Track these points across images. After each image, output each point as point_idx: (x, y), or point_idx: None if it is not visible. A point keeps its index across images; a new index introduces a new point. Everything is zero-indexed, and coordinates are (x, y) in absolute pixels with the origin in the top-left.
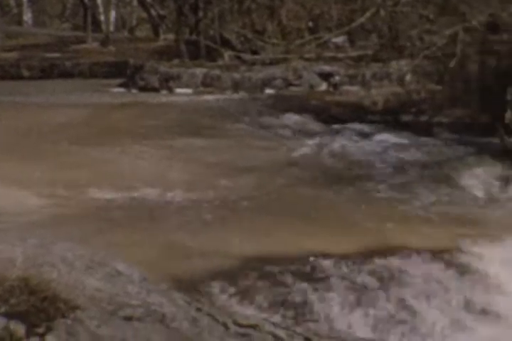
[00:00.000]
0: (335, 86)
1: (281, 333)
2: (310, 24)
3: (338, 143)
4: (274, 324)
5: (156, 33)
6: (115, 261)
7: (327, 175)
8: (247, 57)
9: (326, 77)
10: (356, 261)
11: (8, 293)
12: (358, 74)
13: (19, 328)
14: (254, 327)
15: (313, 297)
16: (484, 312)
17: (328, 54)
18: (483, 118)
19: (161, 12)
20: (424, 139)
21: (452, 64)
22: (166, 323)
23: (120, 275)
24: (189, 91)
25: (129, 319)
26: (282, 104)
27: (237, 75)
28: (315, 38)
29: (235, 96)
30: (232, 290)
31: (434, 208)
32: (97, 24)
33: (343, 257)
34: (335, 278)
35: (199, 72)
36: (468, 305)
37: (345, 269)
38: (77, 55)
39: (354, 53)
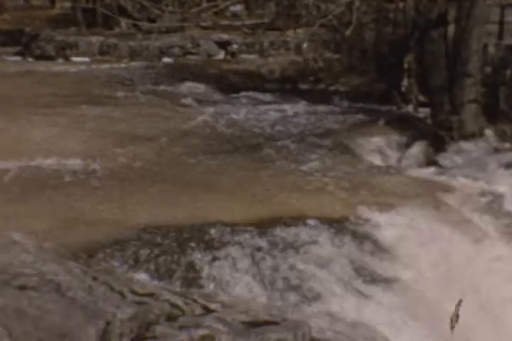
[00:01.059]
0: (233, 54)
1: (178, 301)
2: None
3: (235, 112)
4: (170, 292)
5: (52, 1)
6: (10, 230)
7: (224, 143)
8: (144, 25)
9: (223, 45)
10: (252, 229)
11: None
12: (255, 43)
13: None
14: (150, 295)
15: (209, 264)
16: (377, 277)
17: (225, 22)
18: (380, 86)
19: None
20: (321, 107)
21: (348, 32)
22: (62, 292)
23: (15, 245)
24: (86, 59)
25: (23, 288)
26: (180, 73)
27: (134, 44)
28: (212, 6)
29: (132, 64)
30: (128, 258)
31: (331, 176)
32: None
33: (239, 225)
34: (231, 246)
35: (96, 40)
36: (361, 271)
37: (241, 236)
38: None
39: (251, 21)
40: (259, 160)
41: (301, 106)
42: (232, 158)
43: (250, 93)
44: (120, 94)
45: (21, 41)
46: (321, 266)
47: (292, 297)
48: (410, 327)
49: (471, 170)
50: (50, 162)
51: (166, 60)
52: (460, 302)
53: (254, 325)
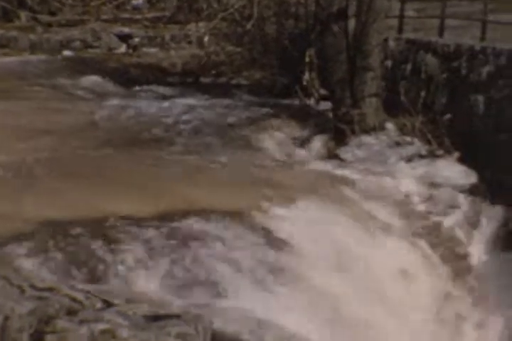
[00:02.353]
0: (134, 48)
1: (78, 295)
2: None
3: (137, 106)
4: (70, 286)
5: None
6: None
7: (125, 137)
8: (44, 18)
9: (125, 39)
10: (153, 223)
11: None
12: (157, 37)
13: None
14: (50, 289)
15: (110, 258)
16: (277, 270)
17: (126, 16)
18: (282, 80)
19: None
20: (223, 101)
21: (250, 26)
22: None
23: None
24: None
25: None
26: (81, 66)
27: (34, 37)
28: None
29: (33, 58)
30: (28, 253)
31: (233, 170)
32: None
33: (141, 219)
34: (132, 240)
35: None
36: (262, 263)
37: (142, 231)
38: None
39: (151, 15)
40: (160, 153)
41: (203, 99)
42: (133, 151)
43: (152, 87)
44: (20, 87)
45: None
46: (223, 259)
47: (193, 290)
48: (309, 315)
49: (372, 164)
50: None
51: (67, 53)
52: None
53: (155, 318)
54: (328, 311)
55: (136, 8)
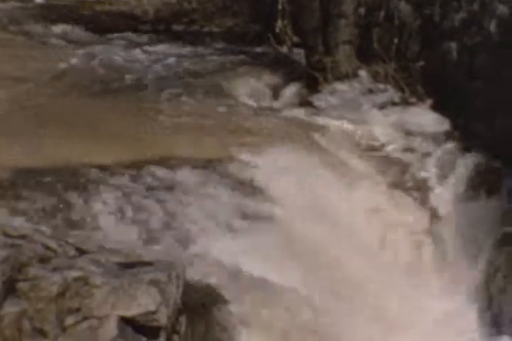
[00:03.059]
0: None
1: (51, 243)
2: None
3: (108, 53)
4: (44, 234)
5: None
6: None
7: (98, 85)
8: None
9: None
10: (127, 171)
11: None
12: None
13: None
14: (23, 237)
15: (83, 207)
16: (252, 218)
17: None
18: (255, 27)
19: None
20: (195, 49)
21: None
22: None
23: None
24: None
25: None
26: (53, 14)
27: None
28: None
29: (2, 5)
30: (1, 201)
31: (206, 117)
32: None
33: (113, 167)
34: (105, 188)
35: None
36: (236, 211)
37: (115, 179)
38: None
39: None
40: (134, 101)
41: (175, 47)
42: (107, 99)
43: (124, 34)
44: None
45: None
46: (196, 207)
47: (166, 238)
48: (285, 264)
49: (345, 111)
50: None
51: (38, 0)
52: None
53: (128, 265)
54: (303, 257)
55: None
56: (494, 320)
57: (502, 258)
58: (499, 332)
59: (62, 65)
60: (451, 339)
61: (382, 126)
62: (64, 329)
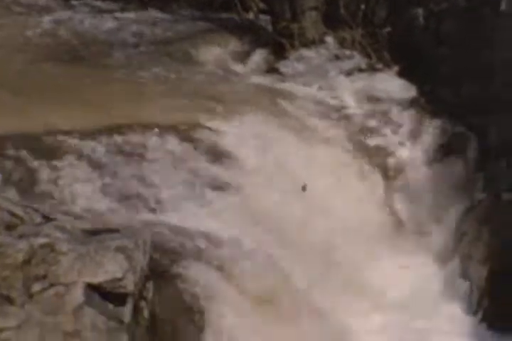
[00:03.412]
0: None
1: (17, 210)
2: None
3: (75, 20)
4: (9, 201)
5: None
6: None
7: (65, 52)
8: None
9: None
10: (94, 138)
11: None
12: None
13: None
14: None
15: (50, 173)
16: (219, 184)
17: None
18: None
19: None
20: (162, 15)
21: None
22: None
23: None
24: None
25: None
26: None
27: None
28: None
29: None
30: None
31: (173, 84)
32: None
33: (81, 134)
34: (73, 155)
35: None
36: (203, 178)
37: (82, 145)
38: None
39: None
40: (102, 68)
41: (142, 14)
42: (75, 66)
43: (91, 1)
44: None
45: None
46: (163, 173)
47: (132, 204)
48: (251, 228)
49: (311, 77)
50: None
51: None
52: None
53: (95, 232)
54: (269, 221)
55: None
56: (459, 285)
57: (468, 223)
58: (466, 299)
59: (29, 33)
60: (419, 305)
61: (348, 92)
62: (31, 296)
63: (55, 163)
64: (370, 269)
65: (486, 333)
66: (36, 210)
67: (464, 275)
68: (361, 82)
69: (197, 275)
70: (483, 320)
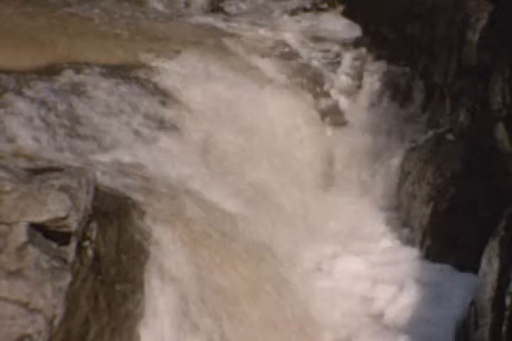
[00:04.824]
0: None
1: None
2: None
3: None
4: None
5: None
6: None
7: None
8: None
9: None
10: (39, 76)
11: None
12: None
13: None
14: None
15: None
16: (163, 124)
17: None
18: None
19: None
20: None
21: None
22: None
23: None
24: None
25: None
26: None
27: None
28: None
29: None
30: None
31: (119, 23)
32: None
33: (21, 73)
34: (15, 93)
35: None
36: (148, 118)
37: (27, 84)
38: None
39: None
40: (46, 6)
41: None
42: (18, 3)
43: None
44: None
45: None
46: (108, 113)
47: (75, 144)
48: (194, 169)
49: (256, 17)
50: None
51: None
52: None
53: (38, 171)
54: (212, 162)
55: None
56: (403, 224)
57: (412, 163)
58: (407, 237)
59: None
60: (362, 246)
61: (293, 32)
62: None
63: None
64: (309, 208)
65: (426, 267)
66: None
67: (408, 214)
68: (306, 21)
69: (141, 216)
70: (426, 257)
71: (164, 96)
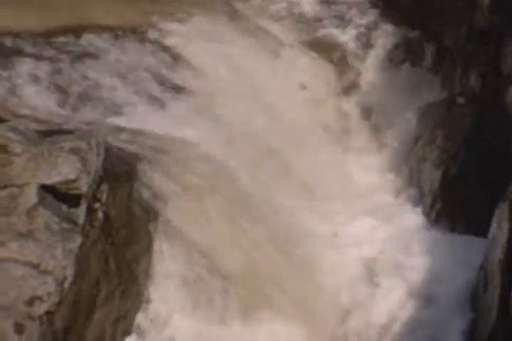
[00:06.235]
0: None
1: None
2: None
3: None
4: None
5: None
6: None
7: None
8: None
9: None
10: (48, 39)
11: None
12: None
13: None
14: None
15: (2, 75)
16: (173, 86)
17: None
18: None
19: None
20: None
21: None
22: None
23: None
24: None
25: None
26: None
27: None
28: None
29: None
30: None
31: None
32: None
33: (34, 35)
34: (26, 56)
35: None
36: (158, 81)
37: (35, 47)
38: None
39: None
40: None
41: None
42: None
43: None
44: None
45: None
46: (118, 75)
47: (87, 107)
48: (208, 132)
49: None
50: None
51: None
52: None
53: (48, 134)
54: (226, 125)
55: None
56: (413, 187)
57: (423, 127)
58: (417, 200)
59: None
60: (371, 208)
61: None
62: None
63: (5, 63)
64: (318, 167)
65: (435, 232)
66: None
67: (418, 178)
68: None
69: (151, 178)
70: (435, 221)
71: (174, 59)
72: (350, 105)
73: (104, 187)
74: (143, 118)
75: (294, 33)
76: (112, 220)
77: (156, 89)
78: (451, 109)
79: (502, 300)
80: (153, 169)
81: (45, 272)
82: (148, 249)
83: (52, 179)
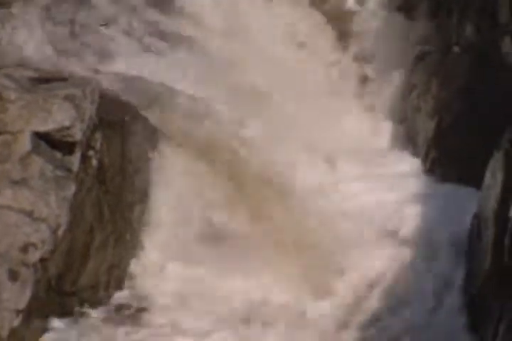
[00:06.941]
0: None
1: None
2: None
3: None
4: None
5: None
6: None
7: None
8: None
9: None
10: None
11: None
12: None
13: None
14: None
15: None
16: (169, 35)
17: None
18: None
19: None
20: None
21: None
22: None
23: None
24: None
25: None
26: None
27: None
28: None
29: None
30: None
31: None
32: None
33: None
34: (20, 4)
35: None
36: (156, 30)
37: None
38: None
39: None
40: None
41: None
42: None
43: None
44: None
45: None
46: (113, 23)
47: (80, 54)
48: (204, 82)
49: None
50: None
51: None
52: None
53: (42, 81)
54: (222, 74)
55: None
56: (408, 137)
57: (417, 76)
58: (411, 150)
59: None
60: (367, 159)
61: None
62: None
63: (2, 13)
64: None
65: (428, 180)
66: None
67: (412, 128)
68: None
69: (145, 126)
70: (429, 170)
71: (171, 8)
72: (345, 51)
73: (99, 135)
74: (138, 67)
75: None
76: (107, 168)
77: (152, 38)
78: (446, 58)
79: (496, 247)
80: (149, 118)
81: (39, 219)
82: (142, 197)
83: (47, 126)
